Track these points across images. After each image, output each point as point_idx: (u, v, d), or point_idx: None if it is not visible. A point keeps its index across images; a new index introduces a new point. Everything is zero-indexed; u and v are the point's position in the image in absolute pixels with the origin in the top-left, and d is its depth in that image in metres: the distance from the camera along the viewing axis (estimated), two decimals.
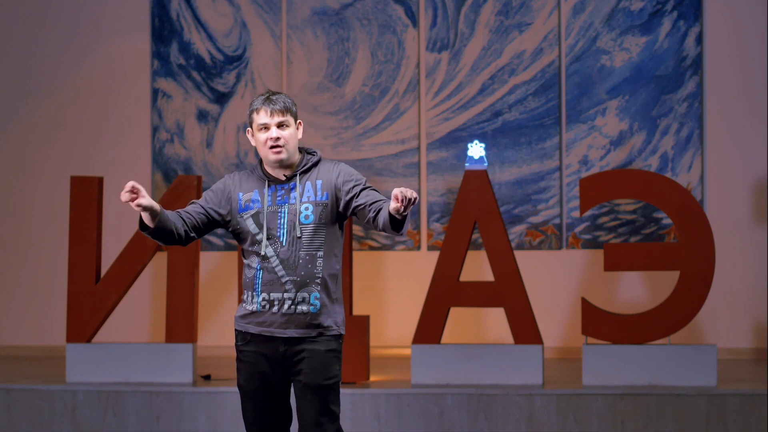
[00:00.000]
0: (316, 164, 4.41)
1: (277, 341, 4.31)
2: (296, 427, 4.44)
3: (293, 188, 4.34)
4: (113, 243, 7.74)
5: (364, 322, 7.03)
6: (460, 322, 8.40)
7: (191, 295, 7.09)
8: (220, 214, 4.41)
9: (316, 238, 4.28)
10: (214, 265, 8.90)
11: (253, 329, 4.34)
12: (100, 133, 9.07)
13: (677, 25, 8.55)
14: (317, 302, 4.28)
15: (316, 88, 8.92)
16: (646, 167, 8.50)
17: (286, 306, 4.28)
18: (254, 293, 4.33)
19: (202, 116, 8.99)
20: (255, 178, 4.42)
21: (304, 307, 4.28)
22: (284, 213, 4.31)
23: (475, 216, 7.02)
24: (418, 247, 8.80)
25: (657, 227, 8.53)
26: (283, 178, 4.37)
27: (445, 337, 7.19)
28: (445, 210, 8.75)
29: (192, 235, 4.41)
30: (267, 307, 4.30)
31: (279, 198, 4.34)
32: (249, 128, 4.46)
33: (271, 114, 4.37)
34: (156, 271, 8.63)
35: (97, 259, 7.23)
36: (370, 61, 8.87)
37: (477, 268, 8.07)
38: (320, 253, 4.28)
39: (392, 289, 8.78)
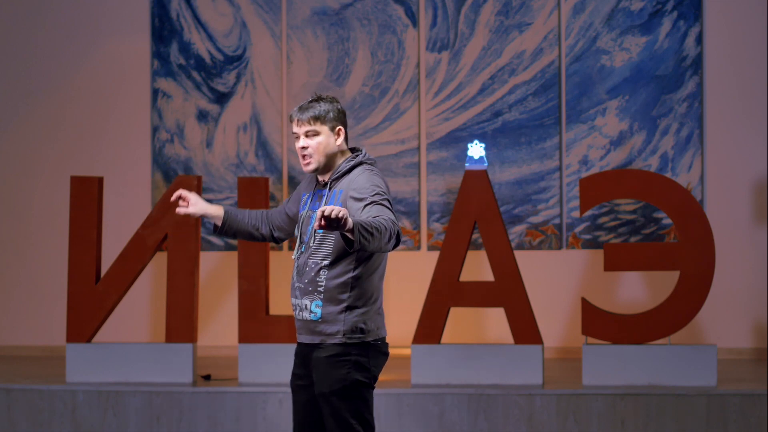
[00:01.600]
0: (351, 170, 4.32)
1: (301, 346, 4.35)
2: None
3: (325, 194, 4.31)
4: (113, 243, 7.74)
5: None
6: (460, 322, 8.41)
7: (191, 295, 7.09)
8: (295, 214, 4.47)
9: (324, 247, 4.23)
10: (214, 265, 8.90)
11: (297, 331, 4.41)
12: (100, 133, 9.07)
13: (677, 25, 8.55)
14: (318, 310, 4.23)
15: (316, 88, 8.92)
16: (646, 167, 8.50)
17: (297, 312, 4.31)
18: (292, 297, 4.40)
19: (202, 116, 8.99)
20: (312, 180, 4.44)
21: (306, 315, 4.27)
22: (312, 219, 4.28)
23: (475, 216, 7.02)
24: (418, 247, 8.80)
25: (657, 227, 8.53)
26: (323, 183, 4.36)
27: (445, 337, 7.19)
28: (445, 210, 8.75)
29: (277, 234, 4.48)
30: (295, 311, 4.35)
31: (314, 203, 4.34)
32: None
33: (299, 123, 4.31)
34: (156, 271, 8.63)
35: (97, 259, 7.23)
36: (370, 61, 8.87)
37: (477, 268, 8.07)
38: (326, 263, 4.22)
39: (392, 289, 8.77)
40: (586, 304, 6.94)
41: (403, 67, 8.84)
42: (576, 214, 8.60)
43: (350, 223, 3.86)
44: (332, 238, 4.21)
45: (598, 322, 6.91)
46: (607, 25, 8.62)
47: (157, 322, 8.76)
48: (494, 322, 8.40)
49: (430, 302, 7.01)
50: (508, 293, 6.94)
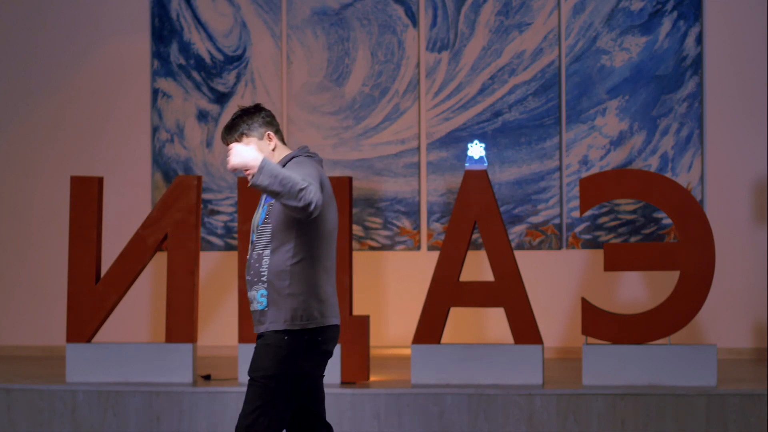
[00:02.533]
0: (285, 165, 4.45)
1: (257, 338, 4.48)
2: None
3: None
4: (113, 243, 7.73)
5: (364, 322, 7.03)
6: (460, 322, 8.40)
7: (191, 295, 7.09)
8: None
9: (263, 237, 4.35)
10: (214, 265, 8.90)
11: None
12: (100, 133, 9.07)
13: (677, 25, 8.55)
14: (264, 300, 4.33)
15: (316, 88, 8.92)
16: (646, 167, 8.50)
17: (251, 304, 4.42)
18: None
19: (202, 116, 8.99)
20: None
21: (255, 305, 4.37)
22: (260, 214, 4.44)
23: (475, 216, 7.01)
24: (418, 247, 8.80)
25: (657, 227, 8.53)
26: None
27: (445, 337, 7.19)
28: (445, 210, 8.75)
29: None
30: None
31: (261, 200, 4.49)
32: None
33: (229, 144, 4.49)
34: (156, 271, 8.63)
35: (97, 259, 7.22)
36: (370, 61, 8.87)
37: (477, 268, 8.07)
38: (267, 252, 4.34)
39: (392, 289, 8.77)
40: (586, 304, 6.94)
41: (403, 67, 8.84)
42: (576, 214, 8.60)
43: (255, 159, 4.11)
44: (270, 228, 4.33)
45: (598, 322, 6.91)
46: (607, 25, 8.62)
47: (157, 322, 8.75)
48: (494, 322, 8.40)
49: (430, 302, 7.01)
50: (508, 293, 6.94)
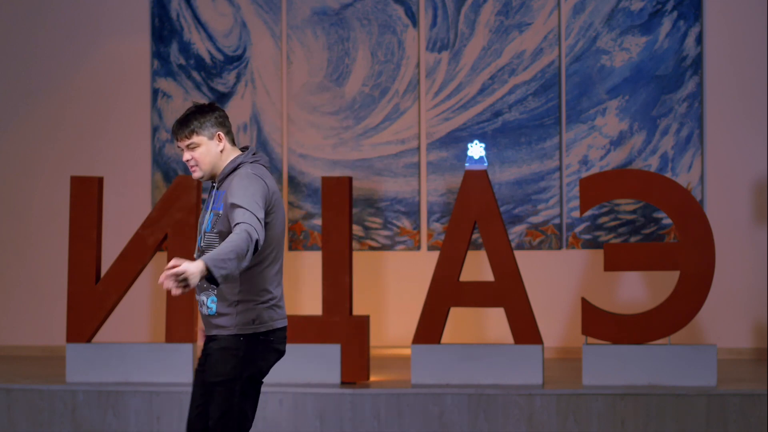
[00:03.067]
0: (234, 170, 4.45)
1: (206, 338, 4.51)
2: None
3: (214, 195, 4.48)
4: (113, 243, 7.73)
5: (364, 322, 7.03)
6: (460, 322, 8.40)
7: (191, 295, 7.08)
8: None
9: (212, 246, 4.35)
10: None
11: None
12: (100, 133, 9.07)
13: (677, 25, 8.55)
14: (213, 305, 4.39)
15: (316, 88, 8.92)
16: (646, 167, 8.50)
17: (199, 306, 4.47)
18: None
19: None
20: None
21: (204, 310, 4.44)
22: (204, 218, 4.46)
23: (475, 216, 7.01)
24: (418, 247, 8.80)
25: (657, 227, 8.53)
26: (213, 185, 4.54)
27: (445, 337, 7.19)
28: (445, 210, 8.75)
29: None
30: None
31: (209, 204, 4.49)
32: None
33: (179, 139, 4.50)
34: (156, 271, 8.63)
35: (97, 259, 7.23)
36: (370, 61, 8.87)
37: (477, 268, 8.07)
38: None
39: (392, 289, 8.77)
40: (586, 304, 6.94)
41: (403, 67, 8.84)
42: (576, 214, 8.60)
43: (199, 267, 3.99)
44: (218, 238, 4.34)
45: (598, 322, 6.91)
46: (607, 25, 8.62)
47: (157, 322, 8.75)
48: (494, 322, 8.40)
49: (430, 302, 7.01)
50: (508, 293, 6.94)
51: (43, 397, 6.96)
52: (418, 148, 8.83)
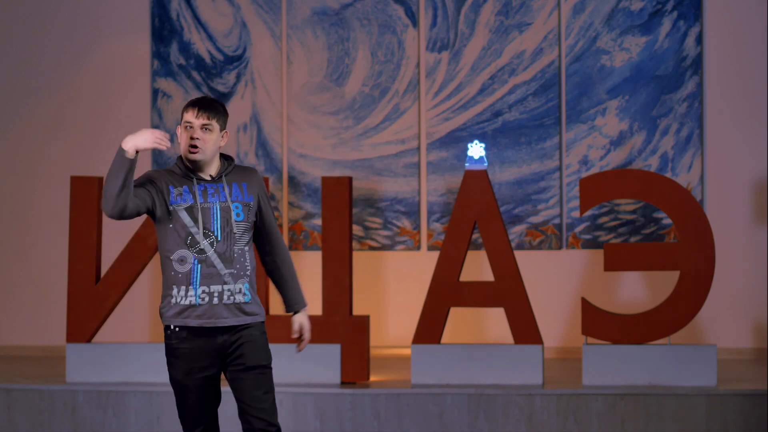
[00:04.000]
0: (233, 168, 4.61)
1: (216, 332, 4.50)
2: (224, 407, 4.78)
3: (221, 188, 4.53)
4: (113, 243, 7.73)
5: (364, 322, 7.03)
6: (460, 322, 8.40)
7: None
8: (153, 201, 4.52)
9: (245, 235, 4.52)
10: None
11: (193, 322, 4.49)
12: (100, 133, 9.07)
13: (677, 25, 8.55)
14: (249, 293, 4.52)
15: (316, 88, 8.92)
16: (646, 167, 8.50)
17: (225, 297, 4.48)
18: (191, 287, 4.48)
19: None
20: (180, 175, 4.54)
21: (240, 297, 4.50)
22: (217, 210, 4.48)
23: (475, 216, 7.01)
24: (418, 247, 8.80)
25: (657, 227, 8.53)
26: (209, 178, 4.54)
27: (445, 337, 7.19)
28: (445, 210, 8.75)
29: (127, 213, 4.48)
30: (207, 299, 4.48)
31: (210, 195, 4.51)
32: (179, 125, 4.57)
33: (197, 115, 4.48)
34: (156, 271, 8.63)
35: (97, 259, 7.23)
36: (370, 61, 8.87)
37: (477, 268, 8.07)
38: (247, 248, 4.53)
39: (392, 289, 8.77)
40: (586, 304, 6.94)
41: (403, 67, 8.84)
42: (576, 214, 8.60)
43: (306, 316, 4.84)
44: (250, 228, 4.55)
45: (598, 322, 6.91)
46: (607, 25, 8.62)
47: (157, 322, 8.76)
48: (494, 322, 8.40)
49: (430, 302, 7.01)
50: (508, 293, 6.94)
51: (43, 397, 6.96)
52: (418, 148, 8.83)
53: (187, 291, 4.48)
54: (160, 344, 7.13)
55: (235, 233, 4.49)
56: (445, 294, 6.99)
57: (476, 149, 7.06)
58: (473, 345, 7.19)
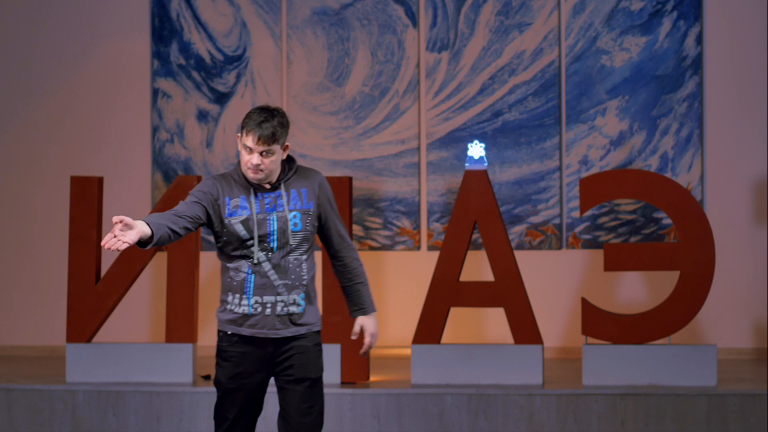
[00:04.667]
0: (295, 171, 4.56)
1: (266, 342, 4.49)
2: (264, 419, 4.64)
3: (279, 196, 4.49)
4: None
5: None
6: (460, 322, 8.40)
7: (191, 295, 7.09)
8: (207, 215, 4.50)
9: (303, 244, 4.49)
10: (214, 265, 8.89)
11: (246, 331, 4.50)
12: (100, 133, 9.07)
13: (677, 25, 8.55)
14: (303, 302, 4.50)
15: (316, 88, 8.92)
16: (646, 167, 8.50)
17: (279, 308, 4.47)
18: (244, 296, 4.48)
19: (202, 116, 8.99)
20: (238, 184, 4.53)
21: (293, 308, 4.48)
22: (273, 220, 4.46)
23: (475, 216, 7.01)
24: (418, 247, 8.80)
25: (657, 227, 8.53)
26: (268, 187, 4.51)
27: (445, 337, 7.19)
28: (445, 210, 8.75)
29: (180, 234, 4.48)
30: (259, 309, 4.47)
31: (267, 206, 4.48)
32: (239, 134, 4.53)
33: (258, 141, 4.43)
34: (156, 271, 8.63)
35: (97, 259, 7.23)
36: (370, 61, 8.87)
37: (477, 268, 8.07)
38: (305, 257, 4.50)
39: (392, 289, 8.77)
40: (586, 304, 6.94)
41: (403, 67, 8.84)
42: (576, 214, 8.60)
43: (374, 321, 4.70)
44: (309, 236, 4.50)
45: (598, 322, 6.91)
46: (607, 25, 8.62)
47: (157, 322, 8.76)
48: (494, 322, 8.40)
49: (430, 302, 7.01)
50: (508, 293, 6.94)
51: (43, 397, 6.96)
52: (418, 148, 8.83)
53: (240, 299, 4.49)
54: (161, 344, 7.15)
55: (291, 244, 4.46)
56: (445, 294, 6.99)
57: (476, 149, 7.06)
58: (473, 345, 7.20)
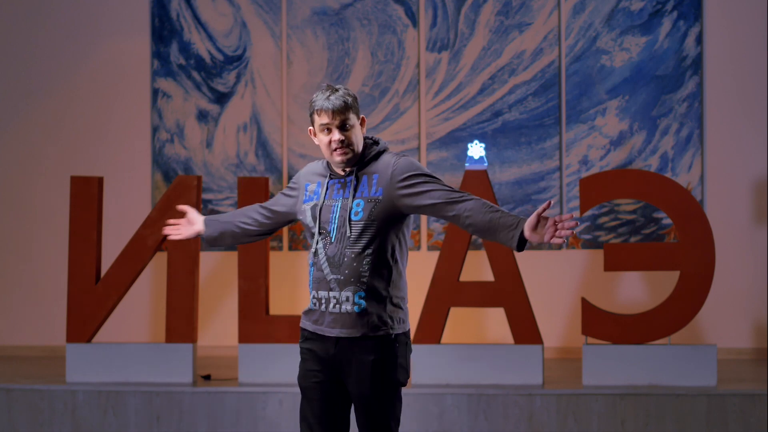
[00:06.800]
0: (377, 156, 4.19)
1: (329, 341, 4.14)
2: None
3: (349, 182, 4.16)
4: (113, 243, 7.74)
5: None
6: (460, 322, 8.41)
7: (191, 295, 7.09)
8: (294, 211, 4.31)
9: (364, 236, 4.07)
10: (214, 265, 8.90)
11: (310, 327, 4.19)
12: (100, 133, 9.07)
13: (677, 25, 8.55)
14: (362, 302, 4.08)
15: (316, 89, 8.91)
16: (646, 167, 8.50)
17: (331, 305, 4.12)
18: (310, 290, 4.19)
19: (202, 116, 8.99)
20: (321, 169, 4.29)
21: (347, 307, 4.09)
22: (337, 208, 4.14)
23: None
24: (418, 247, 8.80)
25: (657, 227, 8.53)
26: (343, 173, 4.21)
27: (445, 337, 7.19)
28: None
29: (253, 238, 4.40)
30: (317, 305, 4.17)
31: (335, 192, 4.17)
32: (311, 128, 4.28)
33: (333, 115, 4.14)
34: (156, 271, 8.63)
35: (97, 259, 7.23)
36: (370, 61, 8.87)
37: (477, 268, 8.07)
38: (369, 251, 4.08)
39: None
40: (586, 304, 6.94)
41: (403, 67, 8.84)
42: (576, 214, 8.60)
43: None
44: (373, 227, 4.08)
45: (598, 322, 6.91)
46: (607, 25, 8.63)
47: (157, 322, 8.76)
48: (494, 322, 8.40)
49: (430, 302, 7.01)
50: (508, 293, 6.94)
51: (43, 397, 6.96)
52: (418, 148, 8.83)
53: (310, 293, 4.20)
54: (161, 344, 7.16)
55: (349, 236, 4.06)
56: (445, 294, 7.00)
57: (476, 149, 7.06)
58: (473, 345, 7.20)
